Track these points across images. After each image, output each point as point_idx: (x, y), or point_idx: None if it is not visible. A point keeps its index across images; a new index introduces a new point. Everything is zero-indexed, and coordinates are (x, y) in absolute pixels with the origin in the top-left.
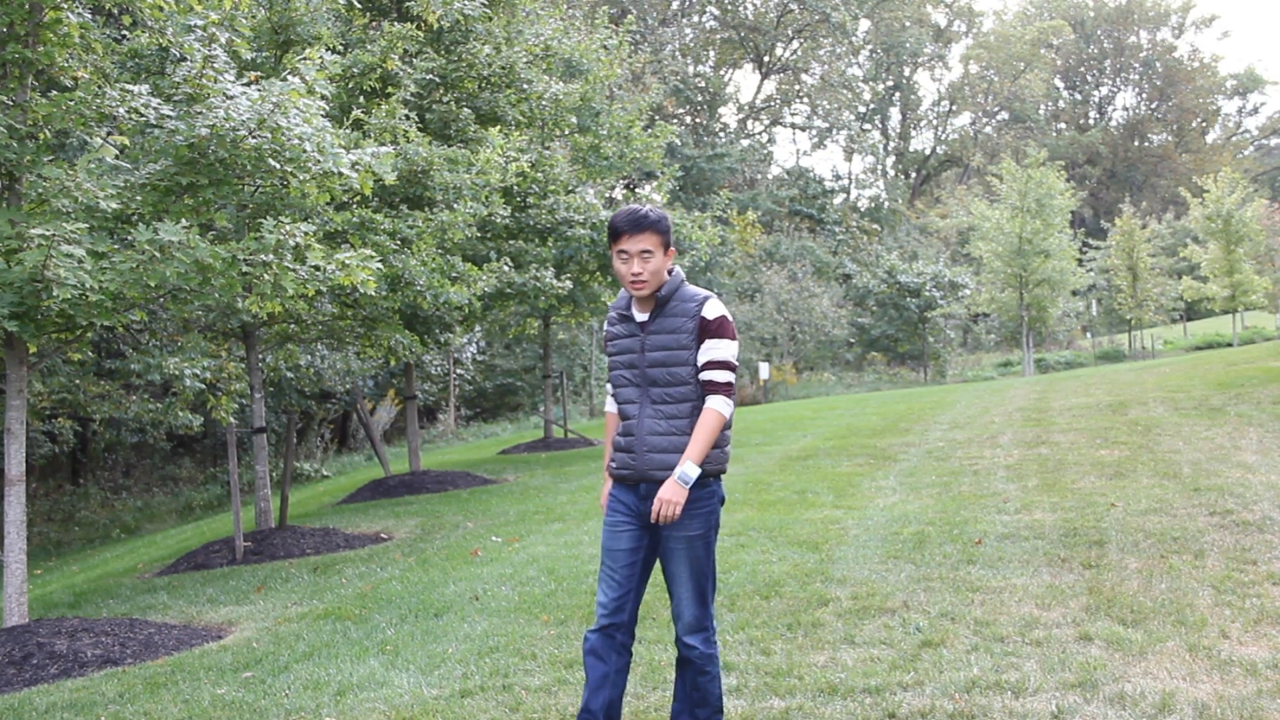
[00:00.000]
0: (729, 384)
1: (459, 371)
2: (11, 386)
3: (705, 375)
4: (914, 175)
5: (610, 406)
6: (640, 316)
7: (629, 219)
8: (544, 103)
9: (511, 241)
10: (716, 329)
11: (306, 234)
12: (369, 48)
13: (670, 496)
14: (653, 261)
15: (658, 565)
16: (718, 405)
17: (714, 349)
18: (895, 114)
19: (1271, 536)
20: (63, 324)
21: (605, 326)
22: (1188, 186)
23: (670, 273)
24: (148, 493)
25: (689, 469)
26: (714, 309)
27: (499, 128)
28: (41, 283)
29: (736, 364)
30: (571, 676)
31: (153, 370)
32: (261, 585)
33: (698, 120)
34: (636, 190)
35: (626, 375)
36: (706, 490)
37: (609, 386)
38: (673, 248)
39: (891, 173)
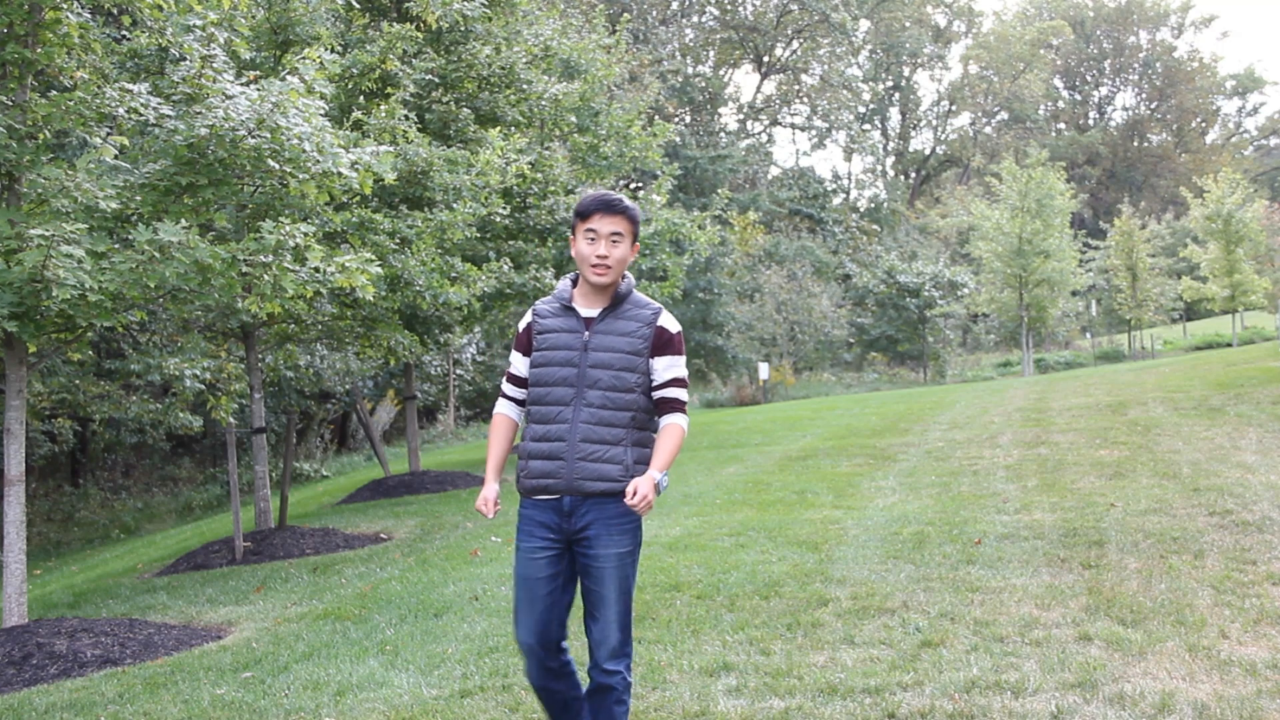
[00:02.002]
0: (685, 403)
1: (458, 372)
2: (11, 386)
3: (669, 393)
4: (914, 175)
5: (504, 408)
6: (587, 311)
7: (602, 199)
8: (543, 103)
9: (511, 242)
10: (677, 344)
11: (306, 235)
12: (368, 48)
13: (648, 493)
14: (620, 248)
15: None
16: (682, 422)
17: (675, 366)
18: (895, 114)
19: (1271, 536)
20: (62, 324)
21: (532, 318)
22: (1188, 186)
23: (623, 277)
24: (147, 493)
25: (665, 479)
26: (673, 322)
27: (498, 128)
28: (41, 283)
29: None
30: None
31: (152, 370)
32: (261, 585)
33: (698, 120)
34: (638, 192)
35: (560, 374)
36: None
37: (503, 383)
38: (638, 244)
39: (891, 173)
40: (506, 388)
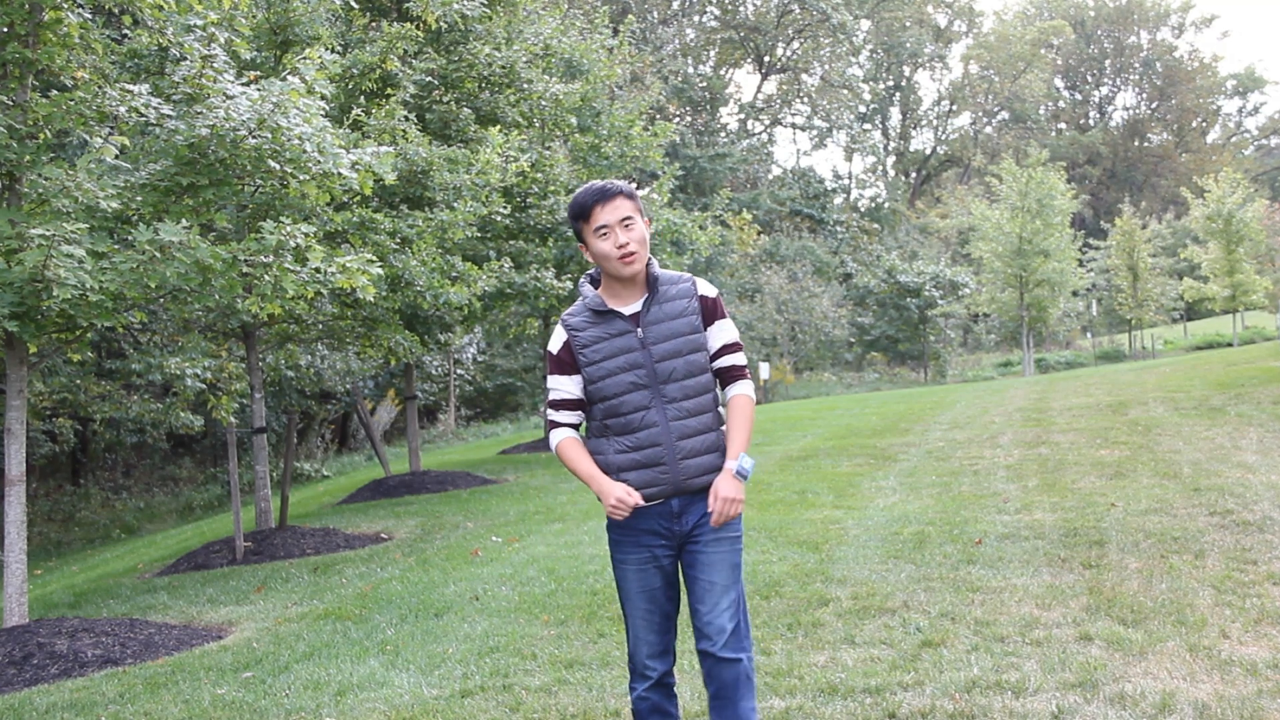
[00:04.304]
0: (746, 365)
1: (459, 372)
2: (11, 386)
3: (727, 360)
4: (914, 175)
5: (565, 434)
6: (628, 309)
7: (594, 190)
8: (544, 103)
9: (511, 241)
10: (721, 308)
11: (307, 235)
12: (368, 48)
13: (734, 494)
14: (636, 229)
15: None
16: (748, 390)
17: (725, 331)
18: (895, 114)
19: (1271, 536)
20: (63, 324)
21: (567, 334)
22: (1188, 186)
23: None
24: (148, 493)
25: (746, 461)
26: (708, 287)
27: (499, 128)
28: (41, 283)
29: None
30: (572, 677)
31: (153, 370)
32: (261, 585)
33: (698, 120)
34: (638, 192)
35: (630, 379)
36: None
37: (550, 412)
38: (648, 218)
39: (891, 173)
40: (558, 415)
